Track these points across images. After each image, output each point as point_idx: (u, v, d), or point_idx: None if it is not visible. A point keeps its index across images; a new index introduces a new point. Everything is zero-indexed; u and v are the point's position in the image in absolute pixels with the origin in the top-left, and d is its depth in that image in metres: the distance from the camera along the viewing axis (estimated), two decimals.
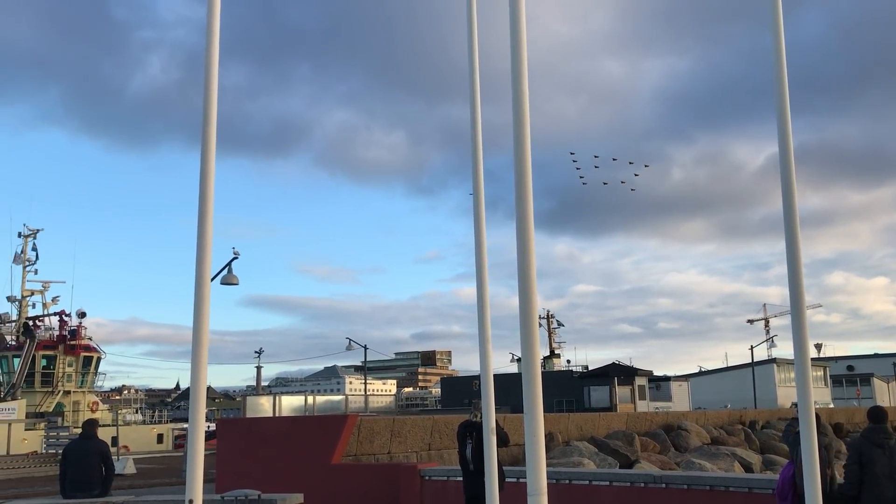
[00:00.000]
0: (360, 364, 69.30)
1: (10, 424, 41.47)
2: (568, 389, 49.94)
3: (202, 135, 4.16)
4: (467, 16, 5.90)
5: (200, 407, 3.78)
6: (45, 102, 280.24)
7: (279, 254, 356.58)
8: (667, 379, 56.94)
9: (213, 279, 24.54)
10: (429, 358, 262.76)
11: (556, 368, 65.37)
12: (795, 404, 4.67)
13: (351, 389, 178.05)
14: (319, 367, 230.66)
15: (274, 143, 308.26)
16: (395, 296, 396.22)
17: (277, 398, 38.52)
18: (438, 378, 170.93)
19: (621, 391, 49.17)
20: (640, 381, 51.31)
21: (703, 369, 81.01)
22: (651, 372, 55.67)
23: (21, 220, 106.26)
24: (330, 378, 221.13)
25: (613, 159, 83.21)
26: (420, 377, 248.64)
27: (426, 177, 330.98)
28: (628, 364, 57.17)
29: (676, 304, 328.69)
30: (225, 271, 25.18)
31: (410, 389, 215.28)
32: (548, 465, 3.54)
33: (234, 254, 25.08)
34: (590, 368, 59.80)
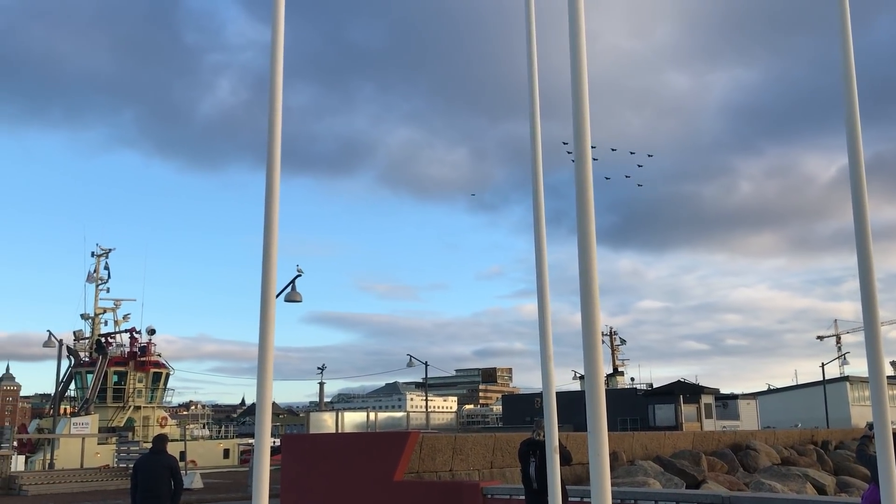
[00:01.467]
0: (422, 381, 69.44)
1: (83, 438, 42.66)
2: (632, 408, 49.11)
3: (267, 155, 4.25)
4: (526, 32, 5.91)
5: (266, 422, 3.82)
6: (120, 126, 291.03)
7: (341, 271, 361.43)
8: (734, 397, 55.52)
9: (277, 296, 24.94)
10: (490, 375, 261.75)
11: (619, 386, 64.42)
12: (871, 424, 4.51)
13: (412, 406, 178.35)
14: (381, 383, 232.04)
15: (338, 162, 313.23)
16: (456, 312, 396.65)
17: (340, 414, 38.83)
18: (499, 395, 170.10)
19: (687, 410, 48.12)
20: (707, 399, 50.14)
21: (771, 387, 78.83)
22: (717, 390, 54.38)
23: (94, 240, 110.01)
24: (391, 394, 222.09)
25: (612, 149, 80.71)
26: (481, 394, 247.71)
27: (488, 192, 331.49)
28: (694, 382, 55.97)
29: (744, 320, 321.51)
30: (288, 289, 25.57)
31: (471, 406, 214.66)
32: (612, 485, 3.48)
33: (298, 272, 25.49)
34: (654, 386, 58.72)
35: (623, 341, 78.56)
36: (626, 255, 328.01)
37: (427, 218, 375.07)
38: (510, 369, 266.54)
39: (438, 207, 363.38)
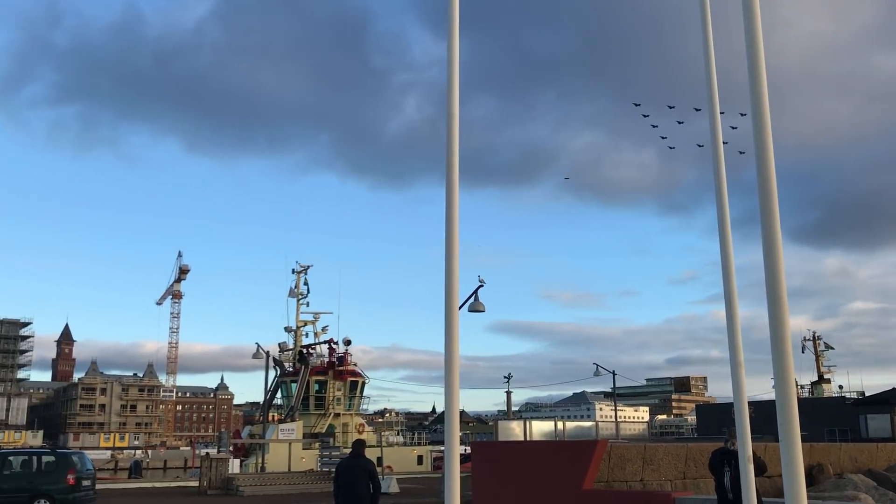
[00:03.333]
0: (611, 390, 68.28)
1: (289, 444, 45.58)
2: (840, 418, 45.66)
3: (446, 169, 4.43)
4: (702, 28, 5.79)
5: (455, 430, 3.98)
6: (317, 149, 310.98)
7: (525, 280, 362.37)
8: None
9: (460, 307, 25.53)
10: (683, 384, 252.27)
11: (825, 395, 60.05)
12: None
13: (601, 416, 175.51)
14: (568, 392, 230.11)
15: (521, 171, 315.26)
16: (646, 319, 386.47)
17: (528, 423, 38.99)
18: (693, 405, 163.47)
19: None
20: None
21: None
22: None
23: (294, 257, 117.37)
24: (580, 404, 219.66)
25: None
26: (674, 404, 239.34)
27: (679, 194, 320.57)
28: None
29: None
30: (472, 299, 26.10)
31: (664, 417, 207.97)
32: (818, 499, 3.32)
33: (480, 282, 25.98)
34: (866, 395, 54.22)
35: (829, 347, 73.32)
36: (833, 253, 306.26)
37: (613, 223, 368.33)
38: (705, 378, 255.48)
39: (625, 211, 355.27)
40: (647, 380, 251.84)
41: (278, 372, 61.38)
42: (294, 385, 59.72)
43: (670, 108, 76.05)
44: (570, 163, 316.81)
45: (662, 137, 76.28)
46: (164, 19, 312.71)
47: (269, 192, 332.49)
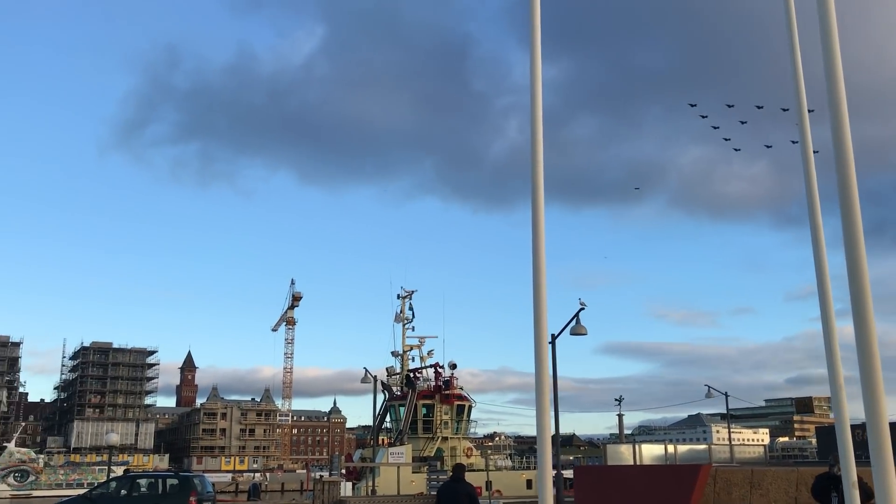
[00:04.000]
0: (726, 412, 66.20)
1: (398, 467, 46.32)
2: None
3: (531, 190, 4.56)
4: (787, 30, 5.75)
5: (547, 454, 4.05)
6: (422, 174, 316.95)
7: (635, 299, 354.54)
8: None
9: (562, 331, 25.46)
10: (805, 405, 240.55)
11: None
12: None
13: (718, 438, 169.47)
14: (683, 414, 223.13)
15: (628, 188, 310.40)
16: (764, 337, 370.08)
17: (637, 446, 38.36)
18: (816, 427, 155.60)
19: None
20: None
21: None
22: None
23: (400, 281, 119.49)
24: (695, 426, 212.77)
25: (758, 107, 69.91)
26: (796, 426, 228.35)
27: (795, 206, 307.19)
28: None
29: None
30: (573, 322, 26.14)
31: (786, 439, 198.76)
32: None
33: (581, 304, 25.99)
34: None
35: None
36: None
37: (726, 238, 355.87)
38: (828, 398, 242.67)
39: (738, 226, 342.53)
40: (767, 401, 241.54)
41: (386, 396, 62.57)
42: (402, 409, 60.67)
43: (729, 106, 74.37)
44: (678, 178, 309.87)
45: (726, 139, 74.61)
46: (275, 57, 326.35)
47: (376, 218, 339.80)
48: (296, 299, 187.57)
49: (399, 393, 62.55)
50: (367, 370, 46.36)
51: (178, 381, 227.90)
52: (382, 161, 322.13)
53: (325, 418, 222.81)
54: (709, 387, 48.42)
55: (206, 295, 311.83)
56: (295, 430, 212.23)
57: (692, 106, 74.28)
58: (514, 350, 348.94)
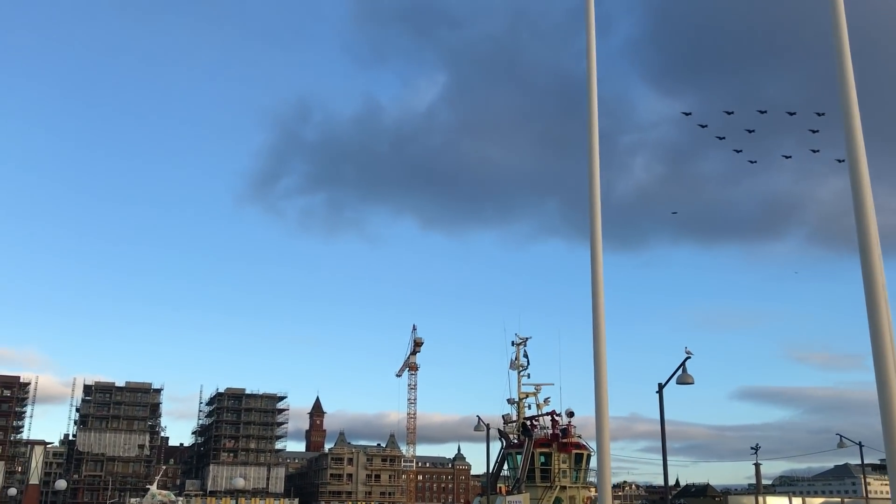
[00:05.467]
0: (880, 462, 61.49)
1: None
2: None
3: (590, 228, 4.53)
4: None
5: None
6: (545, 216, 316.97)
7: (771, 341, 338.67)
8: None
9: (668, 380, 24.48)
10: None
11: None
12: None
13: (873, 491, 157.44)
14: (829, 464, 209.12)
15: (762, 224, 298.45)
16: None
17: (762, 498, 36.25)
18: None
19: None
20: None
21: None
22: None
23: (514, 328, 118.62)
24: (842, 477, 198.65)
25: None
26: None
27: None
28: None
29: None
30: (679, 371, 25.11)
31: None
32: None
33: (687, 353, 24.94)
34: None
35: None
36: None
37: None
38: None
39: (887, 261, 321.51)
40: None
41: (503, 444, 61.84)
42: (519, 457, 59.76)
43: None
44: (817, 212, 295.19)
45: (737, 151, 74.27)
46: (398, 106, 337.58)
47: (497, 262, 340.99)
48: (417, 345, 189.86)
49: (516, 441, 61.71)
50: (479, 418, 46.14)
51: (307, 426, 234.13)
52: (504, 204, 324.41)
53: (450, 465, 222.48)
54: (840, 436, 45.22)
55: (333, 340, 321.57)
56: (420, 477, 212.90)
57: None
58: (644, 396, 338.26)
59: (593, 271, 4.14)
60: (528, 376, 62.93)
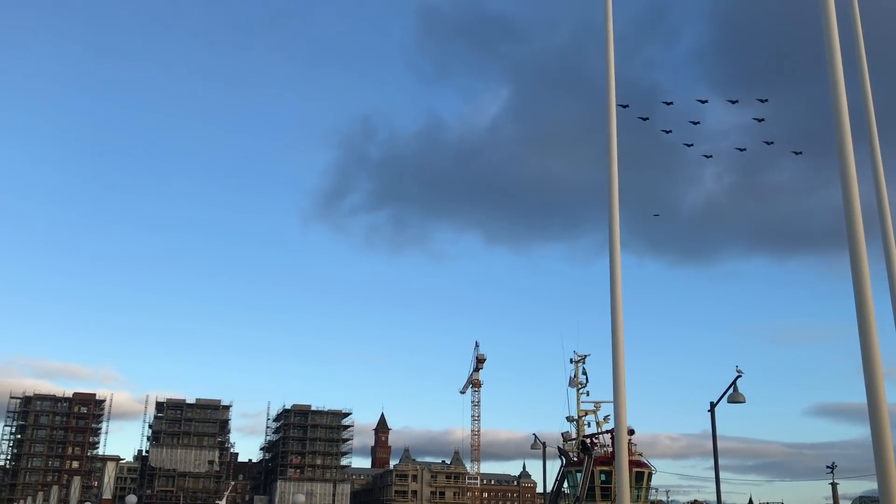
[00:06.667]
0: None
1: None
2: None
3: (609, 241, 4.75)
4: None
5: None
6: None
7: (850, 355, 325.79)
8: None
9: (720, 399, 24.19)
10: None
11: None
12: None
13: None
14: None
15: (839, 235, 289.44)
16: None
17: None
18: None
19: None
20: None
21: None
22: None
23: (572, 345, 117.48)
24: None
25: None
26: None
27: None
28: None
29: None
30: (730, 390, 24.76)
31: None
32: None
33: (738, 372, 24.57)
34: None
35: None
36: None
37: None
38: None
39: None
40: None
41: (563, 462, 61.32)
42: (579, 475, 59.15)
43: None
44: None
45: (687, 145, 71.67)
46: (461, 122, 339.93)
47: (563, 276, 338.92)
48: (480, 361, 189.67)
49: (575, 459, 61.13)
50: (535, 436, 45.98)
51: (372, 442, 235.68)
52: (569, 218, 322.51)
53: (515, 482, 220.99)
54: None
55: (397, 356, 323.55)
56: (485, 494, 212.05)
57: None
58: (718, 412, 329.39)
59: (612, 276, 4.34)
60: (588, 394, 62.31)
